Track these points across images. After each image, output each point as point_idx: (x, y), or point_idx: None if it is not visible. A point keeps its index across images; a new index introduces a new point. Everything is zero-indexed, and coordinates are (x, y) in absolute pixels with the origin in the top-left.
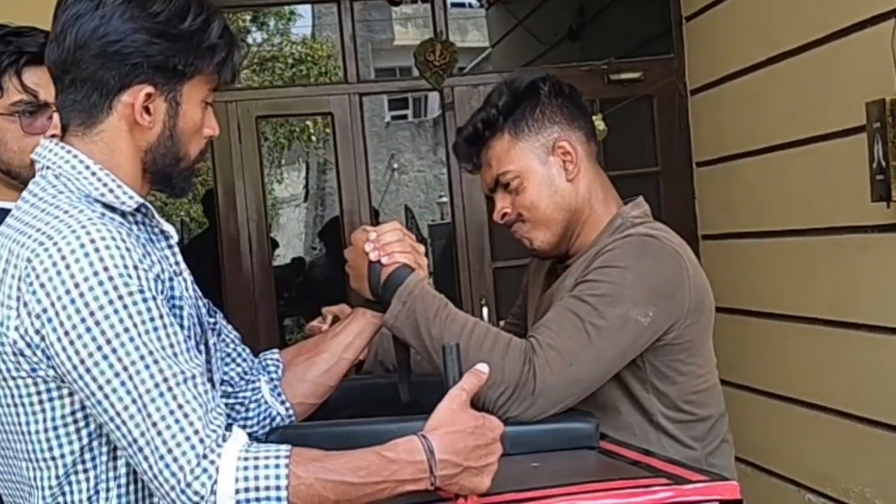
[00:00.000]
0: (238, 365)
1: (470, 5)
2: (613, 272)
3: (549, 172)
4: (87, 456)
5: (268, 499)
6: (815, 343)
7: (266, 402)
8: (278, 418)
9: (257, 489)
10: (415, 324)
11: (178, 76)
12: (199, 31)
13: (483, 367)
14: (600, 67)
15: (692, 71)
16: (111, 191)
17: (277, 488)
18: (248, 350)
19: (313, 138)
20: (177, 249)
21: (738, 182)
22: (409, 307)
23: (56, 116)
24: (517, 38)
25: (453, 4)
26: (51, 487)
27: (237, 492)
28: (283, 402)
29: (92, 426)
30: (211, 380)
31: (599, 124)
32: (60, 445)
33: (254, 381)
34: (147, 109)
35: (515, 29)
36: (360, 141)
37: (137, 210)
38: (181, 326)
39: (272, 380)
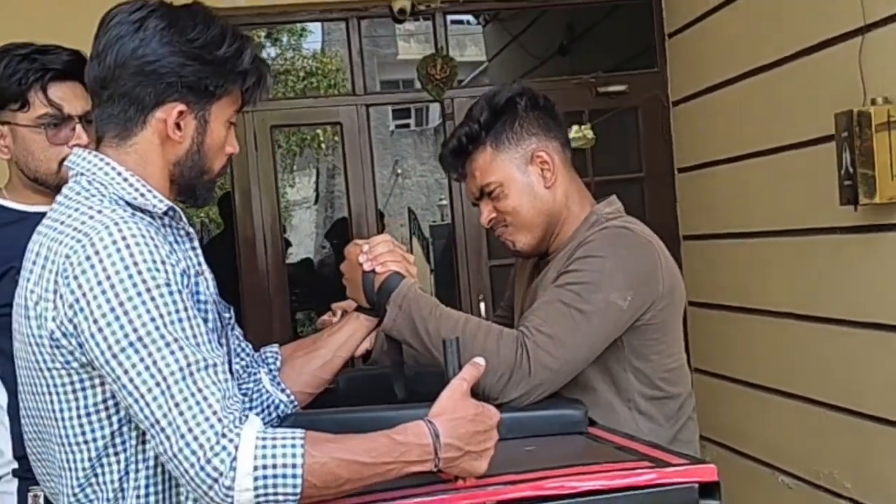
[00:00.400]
0: (242, 359)
1: (468, 22)
2: (593, 261)
3: (528, 180)
4: (118, 440)
5: (284, 476)
6: (787, 335)
7: (267, 392)
8: (281, 406)
9: (275, 466)
10: (412, 324)
11: (209, 96)
12: (233, 58)
13: (480, 360)
14: (589, 81)
15: (674, 84)
16: (142, 195)
17: (293, 466)
18: (249, 345)
19: (323, 146)
20: (199, 251)
21: (716, 187)
22: (404, 310)
23: (79, 128)
24: (512, 53)
25: (453, 21)
26: (84, 469)
27: (255, 468)
28: (283, 391)
29: (122, 413)
30: (230, 370)
31: (588, 133)
32: (93, 430)
33: (255, 374)
34: (178, 125)
35: (510, 44)
36: (366, 148)
37: (166, 213)
38: (205, 321)
39: (271, 371)
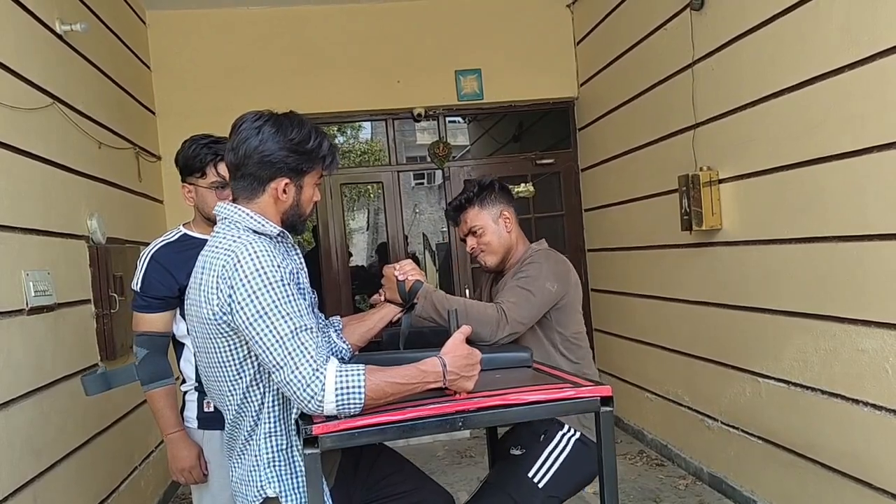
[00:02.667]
0: (318, 323)
1: (459, 121)
2: (533, 266)
3: (497, 228)
4: (258, 377)
5: (352, 393)
6: (649, 309)
7: (335, 343)
8: (344, 351)
9: (348, 387)
10: (434, 307)
11: (303, 172)
12: (317, 148)
13: (468, 326)
14: (531, 156)
15: (582, 158)
16: (263, 225)
17: (359, 386)
18: (322, 316)
19: (372, 195)
20: (301, 257)
21: (607, 220)
22: (428, 300)
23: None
24: (485, 140)
25: (449, 121)
26: (240, 394)
27: (336, 389)
28: (344, 342)
29: (258, 362)
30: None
31: (531, 188)
32: (243, 370)
33: (326, 332)
34: (284, 191)
35: (484, 135)
36: (397, 197)
37: (279, 235)
38: (304, 299)
39: (336, 331)
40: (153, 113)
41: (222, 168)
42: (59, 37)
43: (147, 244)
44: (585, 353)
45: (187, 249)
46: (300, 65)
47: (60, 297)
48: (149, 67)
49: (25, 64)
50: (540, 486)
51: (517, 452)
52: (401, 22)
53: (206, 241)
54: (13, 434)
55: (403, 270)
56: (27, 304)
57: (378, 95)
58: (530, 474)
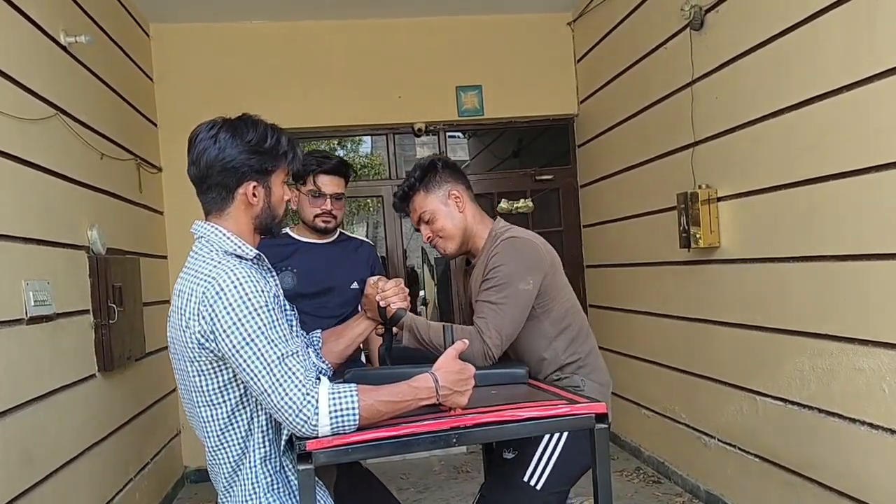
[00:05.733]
0: (302, 345)
1: (459, 136)
2: (500, 268)
3: (448, 210)
4: (244, 401)
5: (347, 414)
6: (647, 325)
7: (314, 363)
8: (323, 370)
9: (341, 409)
10: (417, 335)
11: (268, 172)
12: (276, 145)
13: (466, 340)
14: (530, 172)
15: (581, 174)
16: (239, 247)
17: (353, 407)
18: (303, 334)
19: (371, 209)
20: (277, 280)
21: (606, 236)
22: (412, 331)
23: (329, 201)
24: (484, 155)
25: (450, 136)
26: (222, 420)
27: (330, 412)
28: (323, 361)
29: (243, 386)
30: None
31: (530, 203)
32: (225, 395)
33: (306, 353)
34: (254, 194)
35: (483, 150)
36: None
37: (255, 258)
38: (290, 325)
39: (316, 350)
40: (155, 125)
41: (321, 179)
42: (64, 48)
43: (147, 255)
44: (580, 333)
45: (282, 246)
46: (301, 79)
47: (59, 306)
48: (151, 79)
49: (29, 75)
50: (538, 488)
51: (509, 455)
52: (403, 38)
53: (304, 243)
54: (9, 444)
55: (385, 295)
56: (27, 313)
57: (379, 110)
58: (525, 478)
